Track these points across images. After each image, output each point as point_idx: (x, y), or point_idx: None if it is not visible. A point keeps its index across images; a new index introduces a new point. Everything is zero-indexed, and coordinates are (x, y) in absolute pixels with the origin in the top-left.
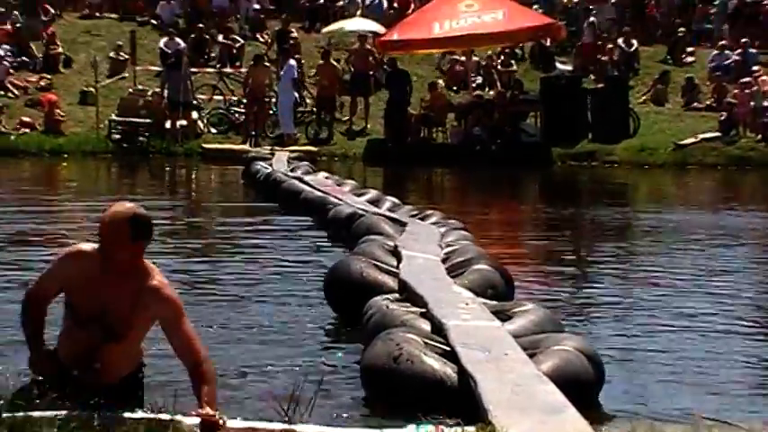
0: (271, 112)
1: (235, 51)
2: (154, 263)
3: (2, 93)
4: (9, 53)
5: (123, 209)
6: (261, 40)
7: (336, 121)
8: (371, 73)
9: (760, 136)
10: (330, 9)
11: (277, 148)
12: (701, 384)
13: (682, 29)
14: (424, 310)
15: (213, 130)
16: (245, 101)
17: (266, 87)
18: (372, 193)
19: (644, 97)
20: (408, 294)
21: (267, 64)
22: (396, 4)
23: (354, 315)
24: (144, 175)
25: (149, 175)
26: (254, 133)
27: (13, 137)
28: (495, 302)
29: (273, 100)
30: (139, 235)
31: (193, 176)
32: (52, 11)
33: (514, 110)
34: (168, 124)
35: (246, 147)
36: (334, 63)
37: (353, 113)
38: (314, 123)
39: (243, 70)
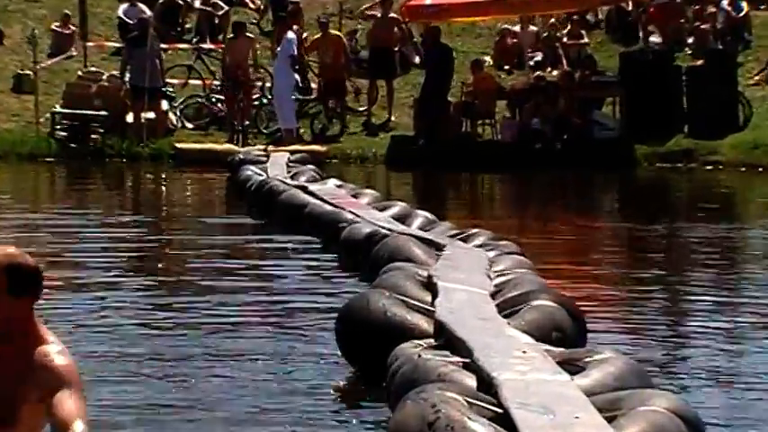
0: (265, 100)
1: (217, 21)
2: (119, 302)
3: None
4: None
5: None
6: (250, 5)
7: (351, 112)
8: (396, 48)
9: None
10: None
11: (273, 147)
12: None
13: None
14: (467, 360)
15: (189, 125)
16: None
17: (249, 66)
18: (398, 207)
19: (757, 77)
20: (447, 339)
21: (249, 34)
22: None
23: (376, 368)
24: (98, 184)
25: (105, 184)
26: (240, 128)
27: None
28: (561, 349)
29: (268, 85)
30: (22, 289)
31: (163, 187)
32: None
33: (585, 95)
34: (130, 117)
35: (233, 146)
36: (337, 34)
37: (373, 102)
38: (321, 115)
39: None
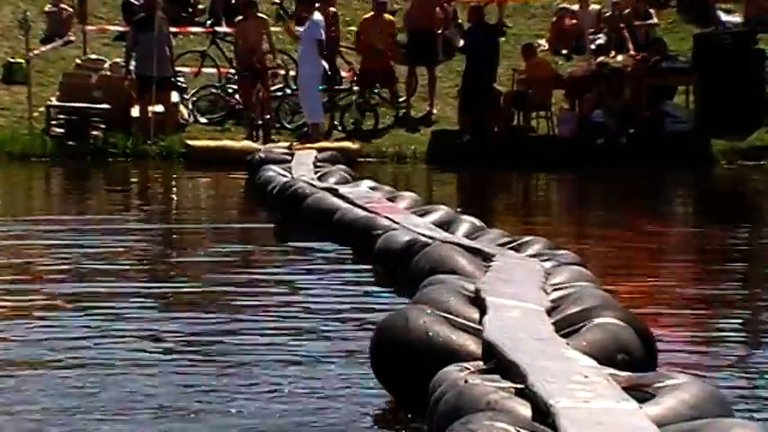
0: (288, 91)
1: (234, 1)
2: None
3: None
4: None
5: None
6: None
7: (385, 103)
8: (439, 31)
9: None
10: None
11: (298, 144)
12: None
13: None
14: (520, 385)
15: (203, 120)
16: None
17: (263, 50)
18: (441, 212)
19: None
20: (497, 362)
21: (262, 15)
22: None
23: (417, 394)
24: (99, 187)
25: (107, 186)
26: (259, 123)
27: None
28: (628, 373)
29: (292, 73)
30: None
31: (174, 189)
32: None
33: (654, 83)
34: (136, 111)
35: (252, 144)
36: (390, 17)
37: (412, 93)
38: (353, 107)
39: None
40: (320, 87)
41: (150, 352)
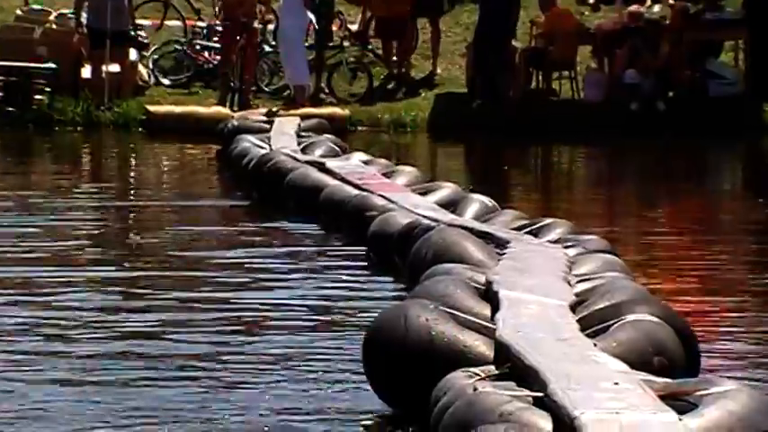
0: (267, 48)
1: None
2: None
3: None
4: None
5: None
6: None
7: (378, 61)
8: None
9: None
10: None
11: (280, 110)
12: None
13: None
14: (539, 394)
15: (166, 81)
16: (219, 28)
17: (255, 2)
18: (447, 190)
19: None
20: (512, 367)
21: None
22: None
23: (417, 404)
24: (43, 159)
25: (53, 159)
26: (233, 85)
27: None
28: (665, 380)
29: (271, 27)
30: None
31: (133, 162)
32: None
33: (698, 39)
34: (87, 72)
35: (224, 110)
36: None
37: (412, 50)
38: (343, 67)
39: None
40: (306, 44)
41: (102, 346)
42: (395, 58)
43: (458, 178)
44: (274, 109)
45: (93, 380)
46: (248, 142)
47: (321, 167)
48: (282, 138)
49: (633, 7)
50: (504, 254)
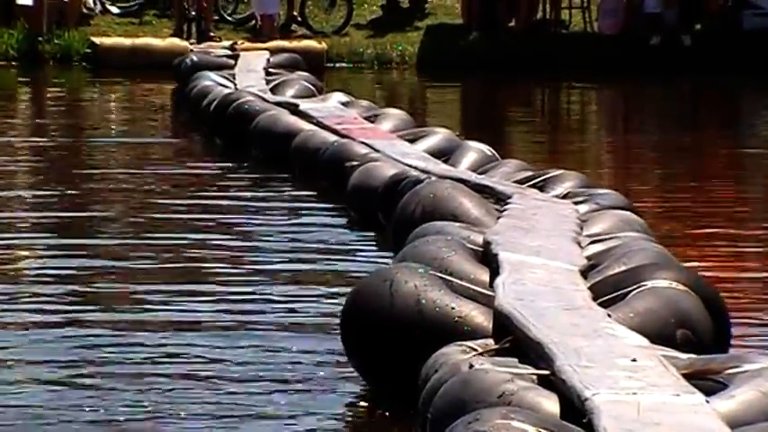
0: None
1: None
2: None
3: None
4: None
5: None
6: None
7: None
8: None
9: None
10: None
11: (246, 43)
12: None
13: None
14: (545, 372)
15: (114, 9)
16: None
17: None
18: (439, 136)
19: None
20: (514, 341)
21: None
22: None
23: (405, 383)
24: None
25: None
26: (194, 15)
27: None
28: (691, 356)
29: None
30: None
31: (78, 102)
32: None
33: None
34: None
35: (181, 42)
36: None
37: None
38: None
39: None
40: None
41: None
42: None
43: (452, 123)
44: (239, 42)
45: None
46: (209, 80)
47: (294, 110)
48: (249, 75)
49: None
50: (504, 210)
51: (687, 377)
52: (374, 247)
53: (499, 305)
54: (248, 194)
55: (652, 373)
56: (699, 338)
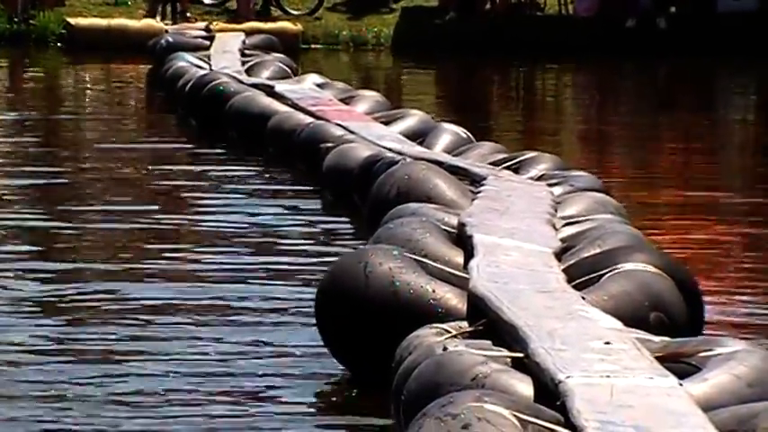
0: None
1: None
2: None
3: None
4: None
5: None
6: None
7: None
8: None
9: None
10: None
11: (222, 24)
12: None
13: None
14: (519, 354)
15: None
16: None
17: None
18: (414, 118)
19: None
20: (488, 323)
21: None
22: None
23: (379, 365)
24: None
25: None
26: None
27: None
28: (664, 339)
29: None
30: None
31: (53, 84)
32: None
33: None
34: None
35: (156, 23)
36: None
37: None
38: None
39: None
40: None
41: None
42: None
43: (427, 105)
44: (214, 23)
45: None
46: (184, 61)
47: (269, 91)
48: (224, 57)
49: None
50: (479, 192)
51: (661, 360)
52: (350, 229)
53: (473, 287)
54: (222, 175)
55: (625, 356)
56: (672, 321)
